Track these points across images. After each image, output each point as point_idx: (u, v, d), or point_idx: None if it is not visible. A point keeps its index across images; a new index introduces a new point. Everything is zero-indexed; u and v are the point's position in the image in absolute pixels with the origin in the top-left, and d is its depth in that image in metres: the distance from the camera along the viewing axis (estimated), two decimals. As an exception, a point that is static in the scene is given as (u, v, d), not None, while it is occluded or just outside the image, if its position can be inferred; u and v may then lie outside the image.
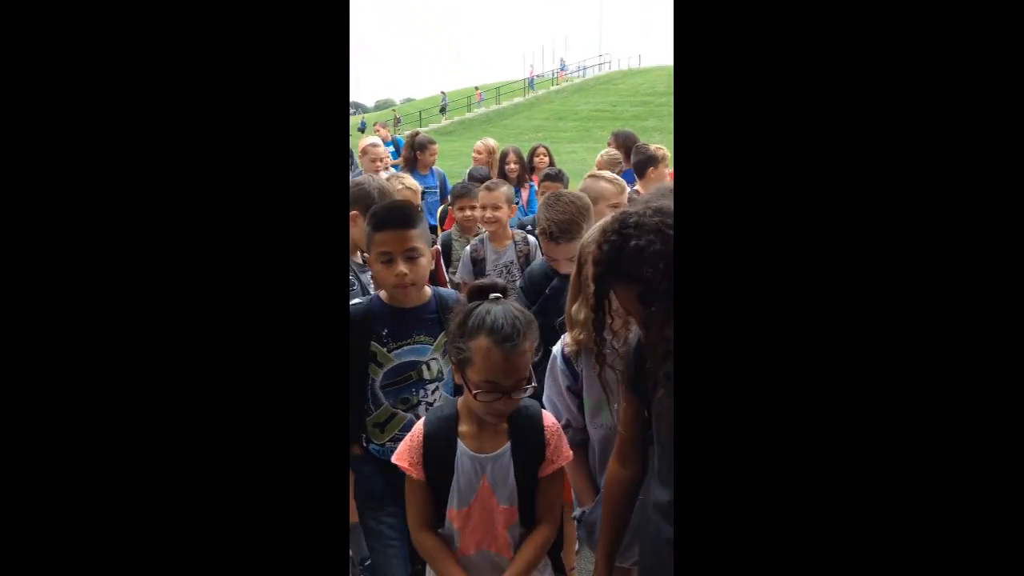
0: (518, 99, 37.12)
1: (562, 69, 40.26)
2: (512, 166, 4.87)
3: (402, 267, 1.76)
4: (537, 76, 42.36)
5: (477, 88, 38.42)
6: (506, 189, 3.26)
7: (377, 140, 5.03)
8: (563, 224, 2.06)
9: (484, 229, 3.31)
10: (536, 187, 4.69)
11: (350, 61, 0.90)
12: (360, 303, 1.87)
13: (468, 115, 34.41)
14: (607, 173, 2.77)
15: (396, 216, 1.83)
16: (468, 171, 5.00)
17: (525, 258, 3.13)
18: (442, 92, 38.63)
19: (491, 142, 5.26)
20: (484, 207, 3.20)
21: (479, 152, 5.17)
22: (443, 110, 35.09)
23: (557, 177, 3.70)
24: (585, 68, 44.59)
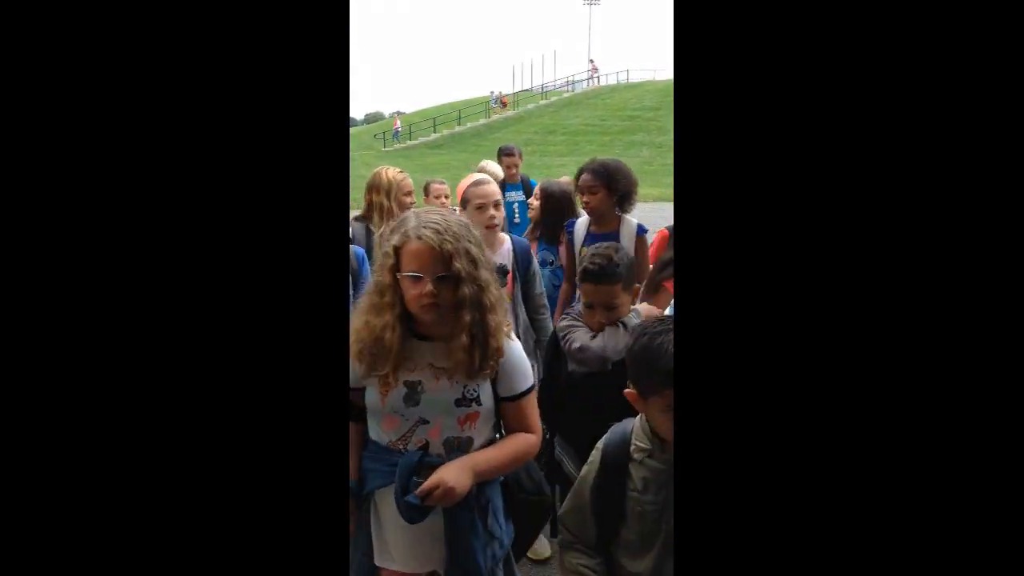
0: (509, 112, 37.24)
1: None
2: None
3: None
4: (519, 91, 42.29)
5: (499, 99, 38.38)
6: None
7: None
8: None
9: None
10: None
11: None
12: None
13: (457, 128, 34.49)
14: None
15: None
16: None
17: None
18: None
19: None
20: None
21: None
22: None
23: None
24: (575, 83, 44.76)
